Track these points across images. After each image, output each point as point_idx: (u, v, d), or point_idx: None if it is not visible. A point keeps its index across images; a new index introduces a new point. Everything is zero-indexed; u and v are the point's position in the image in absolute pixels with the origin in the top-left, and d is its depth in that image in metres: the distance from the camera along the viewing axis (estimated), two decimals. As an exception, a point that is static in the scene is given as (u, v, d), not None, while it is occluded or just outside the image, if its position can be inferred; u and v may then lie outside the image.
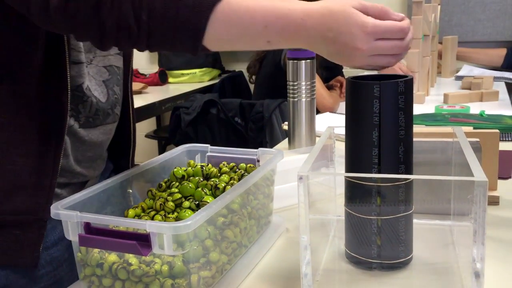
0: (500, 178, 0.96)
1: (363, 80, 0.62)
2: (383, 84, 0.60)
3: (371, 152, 0.62)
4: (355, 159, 0.66)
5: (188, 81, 2.68)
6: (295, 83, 1.19)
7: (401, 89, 0.60)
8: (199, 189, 0.74)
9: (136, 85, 2.35)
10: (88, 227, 0.56)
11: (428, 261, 0.66)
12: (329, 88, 1.97)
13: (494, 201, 0.89)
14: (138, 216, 0.71)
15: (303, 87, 1.19)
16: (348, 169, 0.67)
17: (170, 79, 2.70)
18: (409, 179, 0.62)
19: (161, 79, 2.62)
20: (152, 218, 0.71)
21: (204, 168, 0.79)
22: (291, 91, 1.20)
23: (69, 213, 0.57)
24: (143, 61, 3.00)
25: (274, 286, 0.64)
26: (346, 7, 0.57)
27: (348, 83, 0.64)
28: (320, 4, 0.58)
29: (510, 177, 1.00)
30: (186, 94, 2.38)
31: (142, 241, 0.54)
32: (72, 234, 0.57)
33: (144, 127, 2.93)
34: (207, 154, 0.85)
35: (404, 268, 0.64)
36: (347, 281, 0.64)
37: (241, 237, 0.68)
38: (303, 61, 1.17)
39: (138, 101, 2.19)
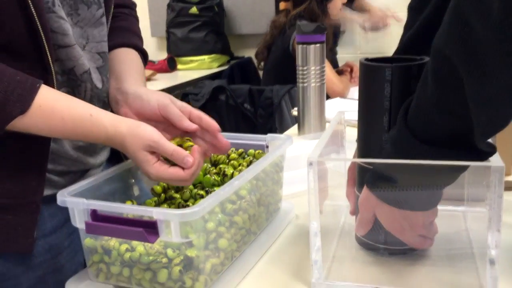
0: (515, 163, 0.94)
1: (376, 62, 0.61)
2: (395, 67, 0.58)
3: (381, 137, 0.61)
4: (366, 144, 0.64)
5: (197, 67, 2.66)
6: (304, 68, 1.17)
7: (414, 73, 0.58)
8: (207, 175, 0.73)
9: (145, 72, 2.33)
10: (95, 214, 0.55)
11: (441, 247, 0.64)
12: (339, 73, 1.94)
13: (509, 186, 0.87)
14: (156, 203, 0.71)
15: (313, 72, 1.17)
16: (359, 154, 0.65)
17: (179, 66, 2.69)
18: (420, 164, 0.60)
19: (170, 66, 2.60)
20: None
21: (212, 154, 0.78)
22: (300, 76, 1.18)
23: (76, 200, 0.56)
24: (152, 48, 2.98)
25: (283, 273, 0.63)
26: (137, 152, 0.62)
27: (360, 65, 0.62)
28: (121, 132, 0.63)
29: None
30: (195, 81, 2.37)
31: (149, 228, 0.53)
32: (79, 221, 0.56)
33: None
34: (216, 140, 0.83)
35: (417, 255, 0.63)
36: (358, 268, 0.63)
37: (250, 224, 0.67)
38: (312, 46, 1.15)
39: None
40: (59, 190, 0.59)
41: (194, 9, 2.61)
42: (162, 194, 0.73)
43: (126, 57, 0.81)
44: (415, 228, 0.59)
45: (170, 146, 0.63)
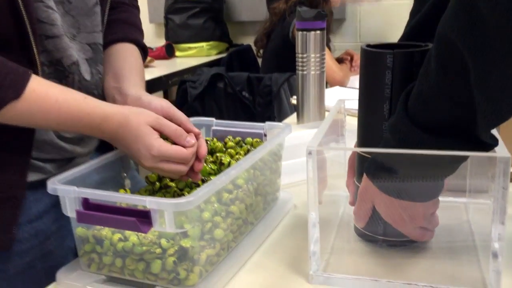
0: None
1: (379, 48, 0.58)
2: (397, 53, 0.56)
3: (381, 126, 0.59)
4: (366, 133, 0.62)
5: (195, 54, 2.63)
6: (304, 55, 1.14)
7: (416, 60, 0.56)
8: (204, 164, 0.71)
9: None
10: (87, 203, 0.54)
11: (443, 239, 0.63)
12: (339, 61, 1.92)
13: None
14: (151, 192, 0.69)
15: (312, 60, 1.14)
16: (359, 143, 0.64)
17: (177, 53, 2.65)
18: (422, 154, 0.59)
19: (168, 52, 2.57)
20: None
21: (209, 142, 0.76)
22: (300, 64, 1.15)
23: (66, 188, 0.54)
24: (150, 35, 2.95)
25: (281, 264, 0.61)
26: (141, 124, 0.62)
27: (361, 51, 0.60)
28: (124, 111, 0.63)
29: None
30: (193, 68, 2.34)
31: (143, 218, 0.51)
32: (70, 210, 0.54)
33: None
34: (212, 128, 0.82)
35: (417, 247, 0.62)
36: (356, 260, 0.62)
37: (247, 214, 0.66)
38: (313, 32, 1.13)
39: (145, 75, 2.15)
40: (44, 176, 0.57)
41: (192, -5, 2.57)
42: (157, 183, 0.71)
43: (126, 54, 0.78)
44: (415, 219, 0.58)
45: (172, 124, 0.64)
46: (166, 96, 3.02)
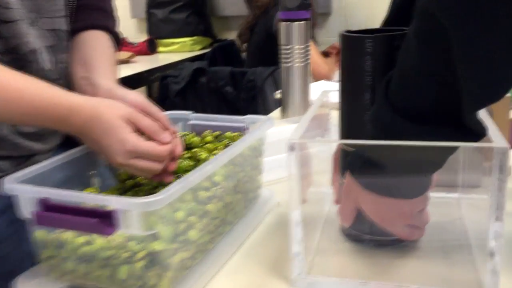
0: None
1: (358, 33, 0.54)
2: (377, 37, 0.52)
3: (363, 117, 0.55)
4: (348, 125, 0.58)
5: (178, 50, 2.57)
6: (288, 47, 1.10)
7: (398, 44, 0.51)
8: (179, 160, 0.66)
9: (123, 54, 2.24)
10: (45, 204, 0.48)
11: (434, 238, 0.59)
12: (325, 55, 1.88)
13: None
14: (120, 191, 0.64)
15: (297, 51, 1.10)
16: (341, 136, 0.59)
17: (160, 48, 2.59)
18: (404, 145, 0.55)
19: (150, 48, 2.51)
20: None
21: (185, 137, 0.71)
22: (283, 56, 1.11)
23: (22, 187, 0.49)
24: (132, 30, 2.87)
25: (262, 267, 0.57)
26: (114, 118, 0.57)
27: (340, 37, 0.56)
28: (94, 103, 0.58)
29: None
30: (176, 64, 2.27)
31: (107, 219, 0.47)
32: (26, 211, 0.49)
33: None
34: (190, 122, 0.77)
35: (407, 246, 0.58)
36: (342, 261, 0.57)
37: (225, 213, 0.61)
38: (297, 23, 1.09)
39: (125, 71, 2.09)
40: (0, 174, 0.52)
41: (175, -11, 2.51)
42: (128, 181, 0.66)
43: (96, 42, 0.73)
44: (402, 218, 0.53)
45: (148, 119, 0.60)
46: (148, 93, 2.96)
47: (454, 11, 0.38)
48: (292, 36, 1.09)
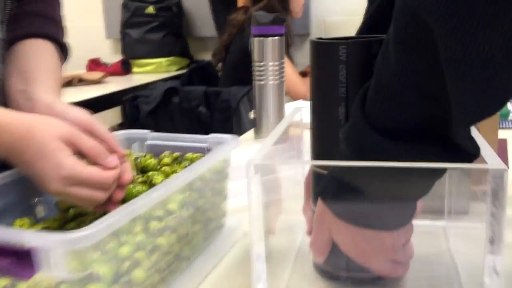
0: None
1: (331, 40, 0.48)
2: (351, 44, 0.46)
3: (337, 134, 0.48)
4: (320, 144, 0.51)
5: (154, 71, 2.49)
6: (262, 63, 1.03)
7: (375, 51, 0.45)
8: (130, 186, 0.58)
9: (94, 74, 2.16)
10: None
11: (419, 274, 0.51)
12: (303, 75, 1.82)
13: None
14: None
15: (271, 68, 1.03)
16: (312, 156, 0.52)
17: (135, 69, 2.51)
18: (389, 167, 0.48)
19: (124, 68, 2.43)
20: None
21: (139, 159, 0.63)
22: (257, 73, 1.04)
23: None
24: (106, 50, 2.80)
25: (221, 311, 0.48)
26: (49, 138, 0.50)
27: (310, 45, 0.50)
28: (27, 120, 0.51)
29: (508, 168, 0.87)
30: (150, 84, 2.20)
31: (25, 259, 0.38)
32: None
33: (108, 119, 2.73)
34: (147, 142, 0.69)
35: (388, 284, 0.50)
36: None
37: (180, 247, 0.53)
38: (270, 38, 1.02)
39: (97, 91, 2.02)
40: None
41: (150, 9, 2.45)
42: (71, 210, 0.58)
43: (38, 52, 0.65)
44: (383, 251, 0.46)
45: (91, 140, 0.52)
46: (123, 114, 2.87)
47: (441, 6, 0.32)
48: (265, 52, 1.03)
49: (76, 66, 2.59)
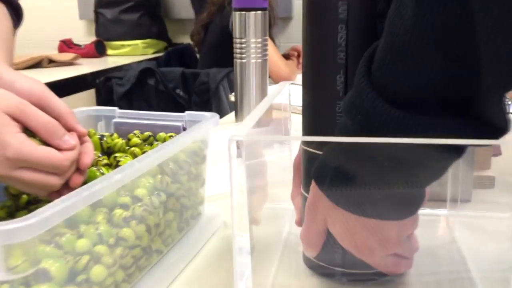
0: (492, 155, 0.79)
1: None
2: (353, 1, 0.39)
3: (334, 106, 0.41)
4: (313, 118, 0.44)
5: (129, 53, 2.39)
6: (243, 40, 0.96)
7: (381, 8, 0.38)
8: (94, 168, 0.50)
9: (65, 56, 2.06)
10: None
11: (425, 270, 0.45)
12: (286, 57, 1.76)
13: (489, 183, 0.71)
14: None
15: (253, 45, 0.96)
16: (303, 133, 0.45)
17: (109, 51, 2.41)
18: (402, 143, 0.41)
19: (98, 50, 2.32)
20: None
21: (105, 139, 0.55)
22: (238, 51, 0.97)
23: None
24: (79, 31, 2.67)
25: (197, 314, 0.41)
26: None
27: (303, 2, 0.42)
28: None
29: (501, 154, 0.83)
30: (125, 67, 2.11)
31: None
32: None
33: (80, 102, 2.62)
34: (114, 120, 0.61)
35: (389, 282, 0.44)
36: (307, 303, 0.43)
37: (149, 239, 0.45)
38: (253, 12, 0.95)
39: (68, 72, 1.92)
40: None
41: (125, -13, 2.34)
42: (24, 196, 0.50)
43: None
44: (386, 245, 0.39)
45: (44, 114, 0.45)
46: (97, 97, 2.76)
47: None
48: (247, 27, 0.95)
49: (47, 47, 2.47)
